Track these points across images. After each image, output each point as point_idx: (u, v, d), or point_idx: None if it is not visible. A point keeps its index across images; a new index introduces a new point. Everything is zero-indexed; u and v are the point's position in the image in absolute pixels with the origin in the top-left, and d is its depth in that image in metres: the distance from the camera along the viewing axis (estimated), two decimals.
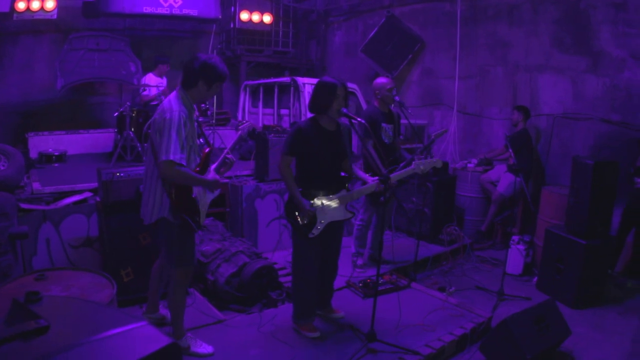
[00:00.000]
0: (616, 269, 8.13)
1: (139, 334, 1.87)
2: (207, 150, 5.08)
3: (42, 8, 10.64)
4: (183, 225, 4.87)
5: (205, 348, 5.28)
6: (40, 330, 1.81)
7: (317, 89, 5.55)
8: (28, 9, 10.54)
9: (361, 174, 6.06)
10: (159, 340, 1.86)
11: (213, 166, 5.19)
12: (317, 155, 5.50)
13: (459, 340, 5.88)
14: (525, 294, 7.43)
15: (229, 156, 5.27)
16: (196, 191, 4.93)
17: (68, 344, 1.69)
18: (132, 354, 1.75)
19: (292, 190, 5.47)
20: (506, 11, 10.60)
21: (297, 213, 5.48)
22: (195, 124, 5.09)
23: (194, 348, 5.23)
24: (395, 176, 5.99)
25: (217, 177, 5.04)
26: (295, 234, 5.67)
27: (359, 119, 5.62)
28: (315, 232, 5.53)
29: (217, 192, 5.24)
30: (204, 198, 5.09)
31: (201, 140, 7.36)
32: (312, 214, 5.48)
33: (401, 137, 10.65)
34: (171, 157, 4.49)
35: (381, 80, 7.69)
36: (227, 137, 11.85)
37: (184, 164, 4.61)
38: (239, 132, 5.57)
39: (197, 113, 5.08)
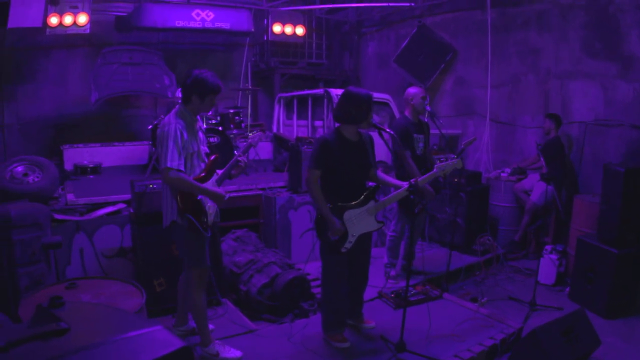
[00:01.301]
0: None
1: (152, 338, 1.94)
2: (212, 157, 5.30)
3: (74, 23, 10.73)
4: (190, 227, 5.06)
5: (233, 352, 5.39)
6: (60, 331, 1.92)
7: (350, 100, 5.48)
8: (61, 24, 10.64)
9: (391, 179, 6.06)
10: (172, 343, 1.92)
11: (221, 171, 5.33)
12: (342, 167, 5.48)
13: (489, 351, 5.84)
14: (558, 304, 7.35)
15: (240, 158, 5.39)
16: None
17: (83, 345, 1.77)
18: (143, 356, 1.81)
19: (321, 207, 5.45)
20: (535, 18, 10.56)
21: (328, 231, 5.47)
22: (200, 133, 5.34)
23: (223, 354, 5.34)
24: (421, 181, 5.88)
25: (223, 192, 5.19)
26: (325, 249, 5.67)
27: (388, 130, 5.63)
28: (348, 246, 5.53)
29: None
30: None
31: (235, 151, 7.44)
32: (343, 231, 5.48)
33: (434, 147, 10.64)
34: (168, 164, 4.83)
35: (414, 88, 7.68)
36: (261, 149, 11.94)
37: (182, 169, 4.92)
38: (249, 141, 5.75)
39: (200, 124, 5.27)
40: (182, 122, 5.01)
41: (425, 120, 7.78)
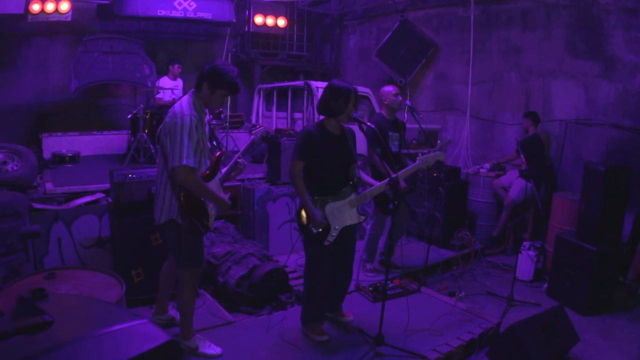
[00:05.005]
0: (628, 276, 8.09)
1: (139, 331, 1.90)
2: (217, 154, 5.04)
3: (56, 10, 10.63)
4: (190, 227, 4.86)
5: (213, 349, 5.29)
6: (45, 324, 1.87)
7: (330, 92, 5.49)
8: (42, 10, 10.53)
9: (367, 178, 6.06)
10: (159, 337, 1.89)
11: (224, 169, 5.21)
12: (325, 160, 5.46)
13: (467, 345, 5.85)
14: (535, 300, 7.41)
15: (240, 160, 5.28)
16: None
17: (70, 339, 1.73)
18: (131, 349, 1.78)
19: (304, 199, 5.42)
20: (519, 16, 10.60)
21: (310, 224, 5.45)
22: (207, 127, 5.05)
23: (202, 349, 5.24)
24: (401, 174, 5.91)
25: (228, 199, 5.00)
26: (308, 241, 5.64)
27: (368, 124, 5.63)
28: (330, 239, 5.51)
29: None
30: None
31: (214, 142, 7.38)
32: (325, 224, 5.46)
33: (414, 141, 10.64)
34: (184, 162, 4.48)
35: (387, 87, 7.74)
36: (240, 140, 11.89)
37: (197, 167, 4.59)
38: (252, 137, 5.60)
39: (209, 117, 5.04)
40: (196, 113, 4.69)
41: (405, 117, 7.76)
